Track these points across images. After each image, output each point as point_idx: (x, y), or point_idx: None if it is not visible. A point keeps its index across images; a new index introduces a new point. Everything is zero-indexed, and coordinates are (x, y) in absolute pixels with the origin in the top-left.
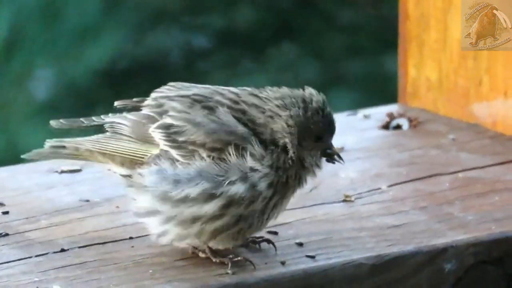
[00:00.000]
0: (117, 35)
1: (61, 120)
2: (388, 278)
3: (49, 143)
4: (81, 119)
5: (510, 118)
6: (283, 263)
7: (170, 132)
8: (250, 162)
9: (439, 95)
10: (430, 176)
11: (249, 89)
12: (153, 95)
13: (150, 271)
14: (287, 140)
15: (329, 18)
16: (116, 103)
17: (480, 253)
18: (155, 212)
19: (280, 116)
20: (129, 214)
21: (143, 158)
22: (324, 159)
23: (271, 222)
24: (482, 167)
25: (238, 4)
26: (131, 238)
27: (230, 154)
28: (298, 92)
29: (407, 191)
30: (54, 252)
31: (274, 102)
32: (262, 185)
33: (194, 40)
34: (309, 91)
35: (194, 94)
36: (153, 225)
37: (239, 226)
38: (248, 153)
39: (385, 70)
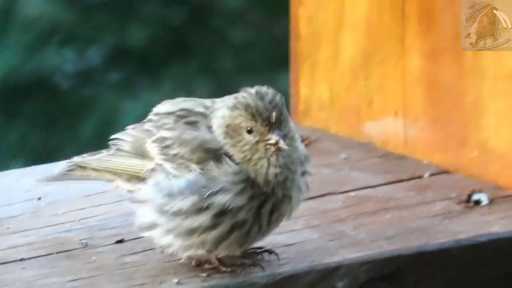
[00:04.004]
0: (8, 54)
1: (84, 155)
2: None
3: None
4: (102, 151)
5: (400, 137)
6: (176, 282)
7: (163, 145)
8: (227, 175)
9: (330, 114)
10: (322, 195)
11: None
12: (154, 109)
13: None
14: (225, 148)
15: (222, 36)
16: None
17: (372, 270)
18: (155, 225)
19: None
20: (20, 235)
21: (140, 172)
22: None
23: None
24: (374, 186)
25: (130, 21)
26: (22, 259)
27: (212, 167)
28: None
29: (299, 210)
30: None
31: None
32: (243, 198)
33: (87, 58)
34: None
35: (179, 110)
36: (157, 238)
37: (237, 233)
38: (226, 166)
39: (278, 88)
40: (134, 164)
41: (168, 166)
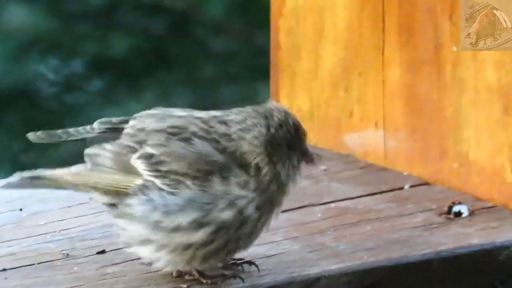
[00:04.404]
0: None
1: (38, 133)
2: None
3: (23, 174)
4: (59, 132)
5: (380, 148)
6: None
7: (152, 162)
8: (235, 189)
9: (310, 126)
10: (302, 207)
11: (216, 114)
12: (131, 123)
13: None
14: (257, 160)
15: (203, 46)
16: (96, 124)
17: (352, 282)
18: (148, 241)
19: (245, 139)
20: (2, 246)
21: (126, 188)
22: (302, 164)
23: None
24: (354, 198)
25: (112, 31)
26: (4, 269)
27: (214, 182)
28: (260, 109)
29: (279, 222)
30: None
31: (237, 126)
32: (250, 209)
33: (69, 67)
34: (271, 105)
35: (169, 127)
36: (146, 254)
37: (228, 248)
38: (231, 180)
39: (259, 98)
40: (119, 180)
41: (158, 182)
